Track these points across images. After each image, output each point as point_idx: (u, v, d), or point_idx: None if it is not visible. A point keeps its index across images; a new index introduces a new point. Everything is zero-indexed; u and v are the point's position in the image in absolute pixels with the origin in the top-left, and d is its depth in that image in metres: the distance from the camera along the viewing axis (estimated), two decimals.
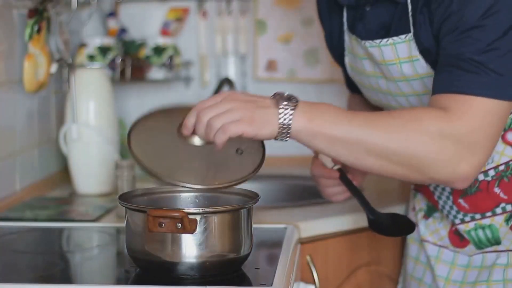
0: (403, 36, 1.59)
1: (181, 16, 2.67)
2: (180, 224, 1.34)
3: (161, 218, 1.34)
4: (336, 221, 1.92)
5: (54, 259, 1.60)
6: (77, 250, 1.71)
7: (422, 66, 1.60)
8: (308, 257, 1.84)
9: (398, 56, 1.62)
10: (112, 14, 2.65)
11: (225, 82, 2.52)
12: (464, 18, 1.47)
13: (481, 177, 1.65)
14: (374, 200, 2.07)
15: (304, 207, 2.05)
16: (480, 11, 1.45)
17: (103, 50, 2.44)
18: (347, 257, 1.97)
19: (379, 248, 2.02)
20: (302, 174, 2.50)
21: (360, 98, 1.94)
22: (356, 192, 1.71)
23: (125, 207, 1.44)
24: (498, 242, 1.68)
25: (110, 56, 2.46)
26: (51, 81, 2.24)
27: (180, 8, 2.68)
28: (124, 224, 1.46)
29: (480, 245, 1.71)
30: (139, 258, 1.43)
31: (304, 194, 2.39)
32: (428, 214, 1.83)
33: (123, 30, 2.63)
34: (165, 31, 2.64)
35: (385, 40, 1.62)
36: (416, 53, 1.59)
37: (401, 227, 1.72)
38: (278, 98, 1.43)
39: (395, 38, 1.60)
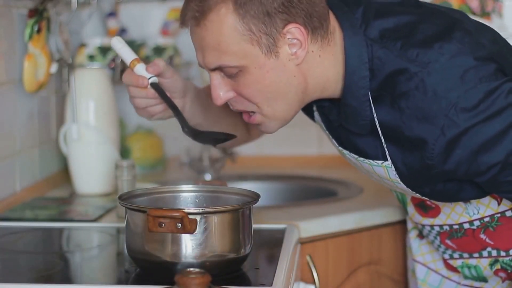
0: (379, 162, 1.54)
1: None
2: (180, 224, 1.34)
3: (161, 218, 1.34)
4: (336, 221, 1.92)
5: (54, 259, 1.60)
6: (77, 250, 1.70)
7: (403, 186, 1.56)
8: (308, 257, 1.84)
9: (376, 172, 1.57)
10: (112, 14, 2.65)
11: None
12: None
13: (466, 225, 1.65)
14: (374, 200, 2.08)
15: (304, 207, 2.05)
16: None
17: (103, 50, 2.44)
18: (347, 257, 1.97)
19: (379, 248, 2.02)
20: (302, 174, 2.50)
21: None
22: (170, 104, 1.60)
23: (125, 207, 1.44)
24: (485, 280, 1.69)
25: (110, 56, 2.45)
26: (51, 81, 2.23)
27: (180, 8, 2.68)
28: (124, 224, 1.46)
29: (468, 277, 1.71)
30: (139, 258, 1.43)
31: (304, 194, 2.39)
32: (422, 235, 1.82)
33: (123, 30, 2.63)
34: (165, 31, 2.64)
35: (362, 158, 1.57)
36: (395, 177, 1.54)
37: (218, 140, 1.66)
38: None
39: (371, 160, 1.55)
